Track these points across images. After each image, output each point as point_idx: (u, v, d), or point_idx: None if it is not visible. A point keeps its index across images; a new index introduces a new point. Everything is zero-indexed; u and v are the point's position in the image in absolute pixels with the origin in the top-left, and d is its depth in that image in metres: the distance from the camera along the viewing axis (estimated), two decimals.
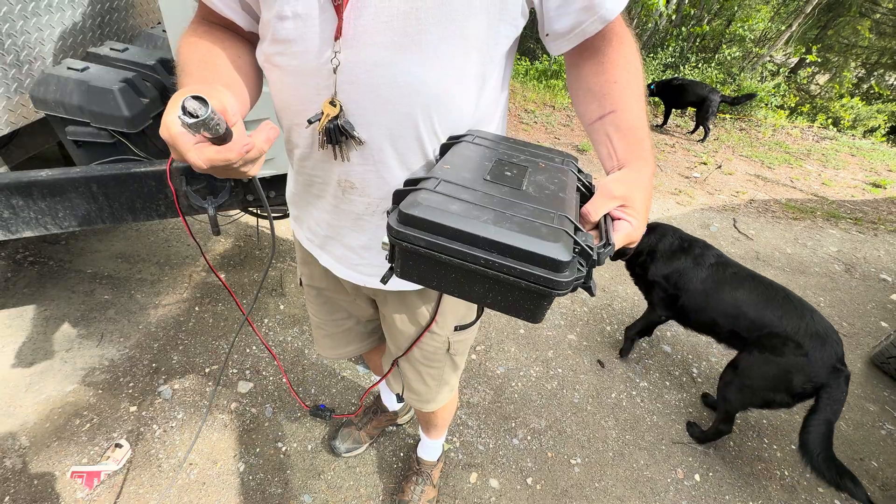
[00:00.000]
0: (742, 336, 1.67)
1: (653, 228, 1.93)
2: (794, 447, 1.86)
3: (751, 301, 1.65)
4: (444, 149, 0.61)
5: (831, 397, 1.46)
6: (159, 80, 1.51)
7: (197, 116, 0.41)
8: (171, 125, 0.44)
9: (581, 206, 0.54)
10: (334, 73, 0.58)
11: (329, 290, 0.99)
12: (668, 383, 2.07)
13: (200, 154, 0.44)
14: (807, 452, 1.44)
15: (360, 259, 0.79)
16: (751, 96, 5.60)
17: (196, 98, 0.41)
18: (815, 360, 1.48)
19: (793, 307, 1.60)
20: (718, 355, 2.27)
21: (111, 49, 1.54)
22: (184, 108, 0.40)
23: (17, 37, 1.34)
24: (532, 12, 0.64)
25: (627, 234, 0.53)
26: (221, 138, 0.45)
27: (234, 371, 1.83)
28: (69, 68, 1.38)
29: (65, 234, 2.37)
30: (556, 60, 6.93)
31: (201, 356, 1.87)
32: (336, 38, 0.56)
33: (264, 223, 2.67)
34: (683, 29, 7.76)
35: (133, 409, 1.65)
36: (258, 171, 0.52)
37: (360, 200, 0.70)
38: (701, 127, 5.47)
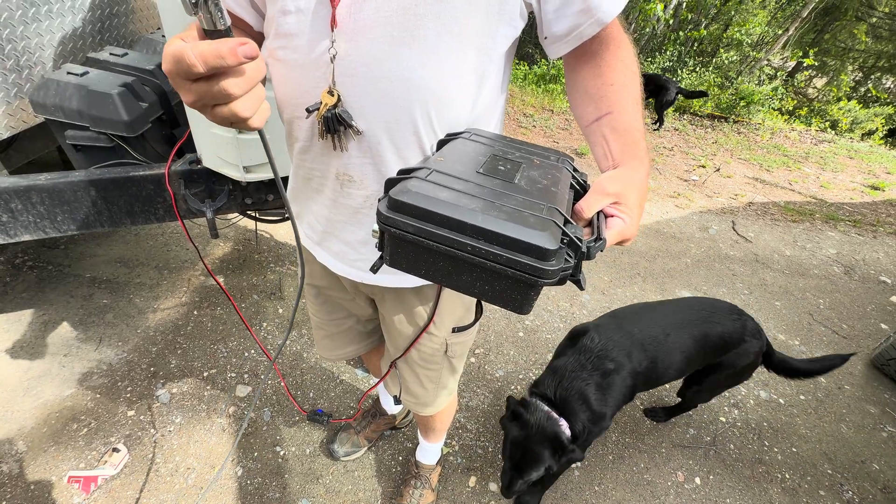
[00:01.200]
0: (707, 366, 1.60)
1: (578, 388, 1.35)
2: (794, 450, 1.86)
3: (701, 331, 1.47)
4: (441, 144, 0.62)
5: (769, 345, 1.64)
6: (158, 85, 1.52)
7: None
8: (169, 43, 0.43)
9: (575, 204, 0.55)
10: (332, 62, 0.59)
11: (328, 289, 0.99)
12: (667, 386, 2.06)
13: (194, 49, 0.41)
14: (807, 371, 1.64)
15: (358, 255, 0.79)
16: (704, 94, 5.77)
17: None
18: (764, 344, 1.60)
19: (726, 311, 1.55)
20: None
21: (111, 54, 1.55)
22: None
23: (18, 42, 1.35)
24: (531, 16, 0.65)
25: (620, 231, 0.53)
26: (220, 34, 0.42)
27: (233, 375, 1.82)
28: (69, 73, 1.39)
29: (64, 239, 2.37)
30: (555, 65, 6.97)
31: (199, 360, 1.87)
32: (332, 28, 0.58)
33: (262, 226, 2.67)
34: (681, 33, 7.80)
35: (131, 413, 1.65)
36: (262, 122, 0.49)
37: (359, 194, 0.71)
38: (658, 115, 5.75)
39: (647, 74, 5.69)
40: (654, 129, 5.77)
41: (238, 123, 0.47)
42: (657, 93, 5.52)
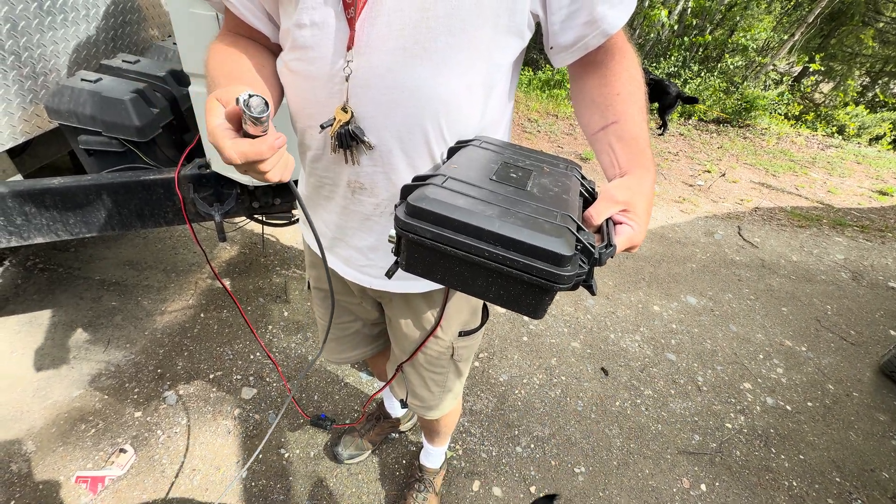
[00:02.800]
0: None
1: None
2: (802, 457, 1.84)
3: None
4: (452, 152, 0.63)
5: None
6: (169, 91, 1.55)
7: (258, 115, 0.45)
8: (209, 112, 0.49)
9: (584, 211, 0.56)
10: (346, 81, 0.61)
11: (336, 293, 1.00)
12: (672, 391, 2.05)
13: (236, 147, 0.48)
14: None
15: (367, 260, 0.80)
16: (695, 99, 5.81)
17: (254, 96, 0.45)
18: None
19: None
20: (724, 363, 2.25)
21: (123, 61, 1.58)
22: (247, 104, 0.44)
23: (34, 50, 1.39)
24: (538, 25, 0.66)
25: (629, 237, 0.54)
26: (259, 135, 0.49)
27: (238, 377, 1.84)
28: (83, 80, 1.42)
29: (74, 242, 2.40)
30: (559, 70, 6.99)
31: (206, 362, 1.88)
32: (349, 49, 0.59)
33: (269, 230, 2.70)
34: (686, 39, 7.81)
35: (138, 414, 1.66)
36: (287, 177, 0.55)
37: (369, 201, 0.72)
38: (661, 120, 5.75)
39: (653, 78, 5.70)
40: (659, 134, 5.77)
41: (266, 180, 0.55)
42: (659, 97, 5.54)
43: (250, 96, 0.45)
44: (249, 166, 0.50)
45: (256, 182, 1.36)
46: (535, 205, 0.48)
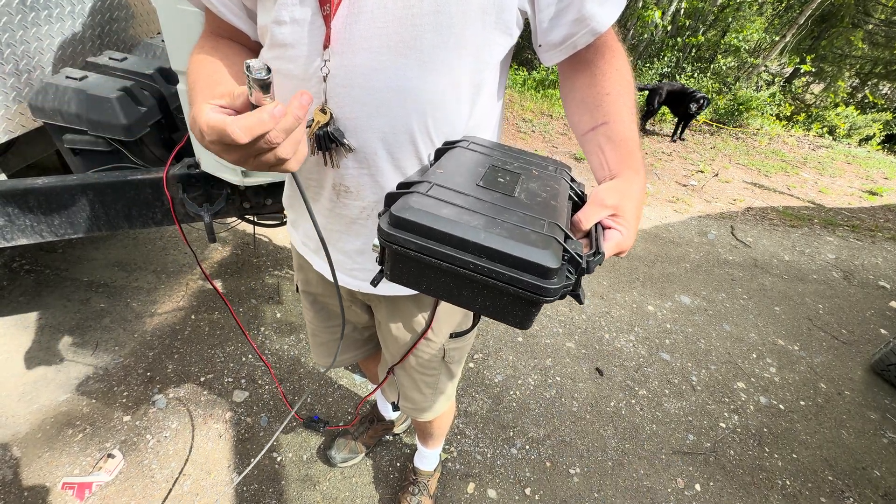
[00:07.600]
0: None
1: None
2: (795, 456, 1.85)
3: None
4: (439, 153, 0.62)
5: None
6: (157, 89, 1.52)
7: (263, 77, 0.43)
8: (202, 113, 0.45)
9: (573, 215, 0.54)
10: (324, 81, 0.59)
11: (324, 296, 0.98)
12: (667, 391, 2.05)
13: (238, 123, 0.43)
14: None
15: (354, 264, 0.79)
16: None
17: (255, 61, 0.43)
18: None
19: None
20: (718, 362, 2.26)
21: (110, 58, 1.55)
22: (248, 67, 0.42)
23: (17, 46, 1.35)
24: (527, 23, 0.65)
25: (618, 242, 0.53)
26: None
27: (230, 380, 1.81)
28: (68, 77, 1.39)
29: (61, 243, 2.36)
30: (553, 70, 7.00)
31: (196, 365, 1.85)
32: (325, 47, 0.57)
33: (261, 230, 2.67)
34: (679, 39, 7.86)
35: (127, 418, 1.63)
36: (299, 164, 0.49)
37: (355, 204, 0.70)
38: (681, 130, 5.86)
39: (678, 88, 5.71)
40: (672, 141, 5.77)
41: (277, 166, 0.48)
42: (681, 106, 5.53)
43: (249, 65, 0.42)
44: (259, 149, 0.45)
45: (247, 182, 1.34)
46: (522, 213, 0.47)
